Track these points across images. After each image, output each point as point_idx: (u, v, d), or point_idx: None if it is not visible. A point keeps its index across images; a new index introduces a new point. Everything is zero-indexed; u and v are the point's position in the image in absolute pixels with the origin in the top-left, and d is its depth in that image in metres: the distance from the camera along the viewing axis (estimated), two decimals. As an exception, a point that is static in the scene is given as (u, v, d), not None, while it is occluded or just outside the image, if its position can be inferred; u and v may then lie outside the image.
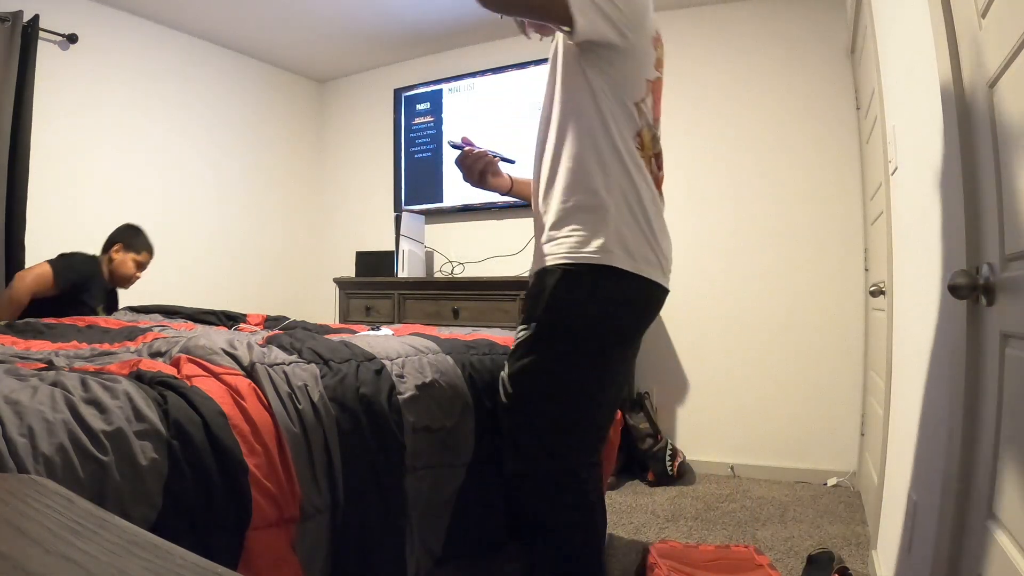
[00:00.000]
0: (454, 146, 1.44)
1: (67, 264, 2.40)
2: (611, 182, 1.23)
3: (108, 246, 2.62)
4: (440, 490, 1.36)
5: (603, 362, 1.28)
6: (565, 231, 1.26)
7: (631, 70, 1.23)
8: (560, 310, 1.25)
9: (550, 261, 1.26)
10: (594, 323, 1.24)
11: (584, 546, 1.28)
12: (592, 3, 1.15)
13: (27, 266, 2.68)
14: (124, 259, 2.59)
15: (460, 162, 1.43)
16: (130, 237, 2.63)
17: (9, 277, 2.66)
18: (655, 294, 1.29)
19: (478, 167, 1.43)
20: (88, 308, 2.47)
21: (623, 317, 1.27)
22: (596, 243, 1.22)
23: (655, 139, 1.30)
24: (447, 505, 1.37)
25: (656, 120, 1.31)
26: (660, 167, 1.32)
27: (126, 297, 2.88)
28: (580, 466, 1.29)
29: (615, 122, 1.23)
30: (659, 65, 1.29)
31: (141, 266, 2.63)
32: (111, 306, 2.66)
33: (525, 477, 1.30)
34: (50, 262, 2.40)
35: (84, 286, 2.46)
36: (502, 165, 1.49)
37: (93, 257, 2.59)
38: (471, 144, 1.43)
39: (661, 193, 1.32)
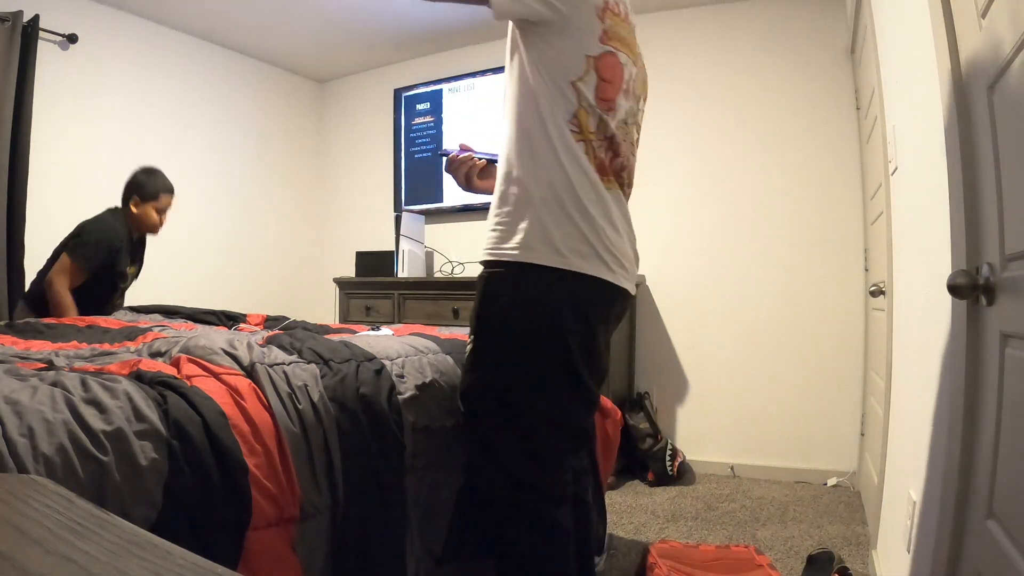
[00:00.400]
0: (441, 154, 1.44)
1: (84, 253, 2.38)
2: (540, 171, 1.13)
3: (126, 197, 2.56)
4: (440, 490, 1.36)
5: (545, 374, 1.14)
6: (490, 226, 1.18)
7: (567, 47, 1.11)
8: (488, 318, 1.16)
9: (480, 263, 1.19)
10: (524, 329, 1.12)
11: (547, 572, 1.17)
12: None
13: (27, 266, 2.69)
14: (144, 210, 2.53)
15: (447, 169, 1.41)
16: (144, 186, 2.55)
17: (10, 277, 2.67)
18: (599, 292, 1.15)
19: (462, 171, 1.37)
20: (120, 273, 2.51)
21: (556, 321, 1.12)
22: (515, 239, 1.12)
23: (602, 122, 1.15)
24: (447, 505, 1.37)
25: (606, 100, 1.15)
26: (616, 153, 1.18)
27: (125, 297, 2.88)
28: (545, 486, 1.17)
29: (548, 104, 1.12)
30: (609, 38, 1.14)
31: (163, 211, 2.58)
32: (140, 257, 2.67)
33: (487, 501, 1.23)
34: (69, 253, 2.38)
35: (110, 258, 2.45)
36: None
37: (110, 222, 2.50)
38: (469, 150, 1.39)
39: (620, 182, 1.20)
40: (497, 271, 1.14)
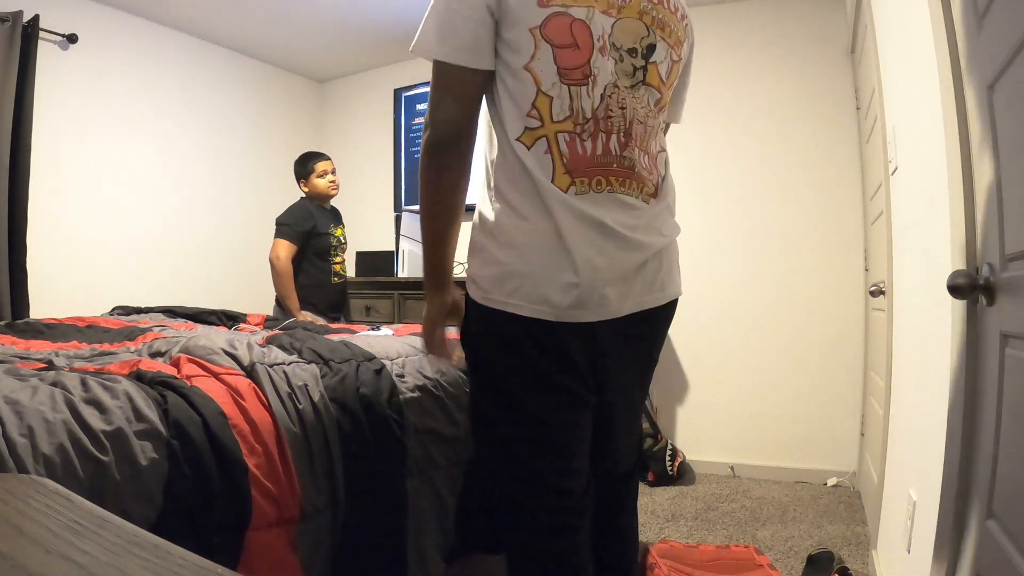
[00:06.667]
0: None
1: (290, 231, 2.72)
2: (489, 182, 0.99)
3: (299, 182, 2.90)
4: (440, 490, 1.36)
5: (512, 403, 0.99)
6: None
7: (512, 35, 0.91)
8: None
9: None
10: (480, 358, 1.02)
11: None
12: (442, 32, 0.90)
13: (27, 265, 2.70)
14: (313, 185, 2.85)
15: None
16: (301, 168, 2.88)
17: (11, 276, 2.67)
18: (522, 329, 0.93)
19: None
20: (326, 237, 2.83)
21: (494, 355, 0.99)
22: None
23: (576, 99, 0.92)
24: (447, 505, 1.37)
25: (576, 68, 0.91)
26: (608, 135, 0.94)
27: (126, 297, 2.89)
28: (539, 510, 1.01)
29: (497, 105, 0.96)
30: (546, 1, 0.90)
31: (325, 175, 2.86)
32: (339, 218, 2.98)
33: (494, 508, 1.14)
34: (279, 236, 2.71)
35: (312, 228, 2.77)
36: None
37: (299, 202, 2.86)
38: None
39: (618, 176, 0.95)
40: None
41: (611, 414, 1.07)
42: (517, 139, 0.93)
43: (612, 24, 0.94)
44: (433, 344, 1.05)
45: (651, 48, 0.98)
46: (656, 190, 1.01)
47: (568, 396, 0.97)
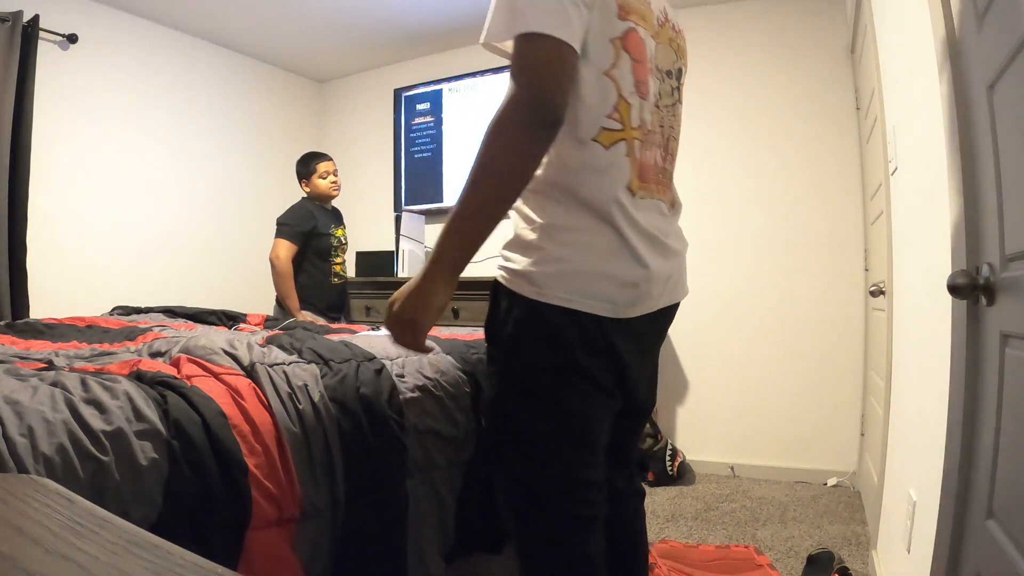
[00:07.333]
0: None
1: (290, 231, 2.74)
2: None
3: (301, 182, 2.91)
4: (440, 490, 1.36)
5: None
6: None
7: (591, 38, 0.92)
8: None
9: None
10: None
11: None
12: (556, 13, 0.86)
13: (27, 265, 2.70)
14: (315, 185, 2.86)
15: None
16: (303, 168, 2.89)
17: (11, 276, 2.67)
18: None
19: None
20: (327, 237, 2.85)
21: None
22: None
23: (643, 111, 0.98)
24: (447, 505, 1.37)
25: (643, 83, 0.98)
26: (651, 147, 1.00)
27: (126, 297, 2.89)
28: (566, 502, 1.02)
29: (578, 108, 0.94)
30: (627, 12, 0.95)
31: (327, 176, 2.87)
32: (339, 219, 3.00)
33: (512, 516, 1.08)
34: (280, 236, 2.73)
35: (313, 229, 2.78)
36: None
37: (300, 202, 2.87)
38: None
39: (656, 184, 1.01)
40: None
41: (635, 408, 1.12)
42: (593, 139, 0.94)
43: (655, 46, 1.02)
44: (423, 334, 0.98)
45: (680, 72, 1.09)
46: (674, 202, 1.10)
47: (603, 393, 1.01)
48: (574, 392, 0.98)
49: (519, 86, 0.87)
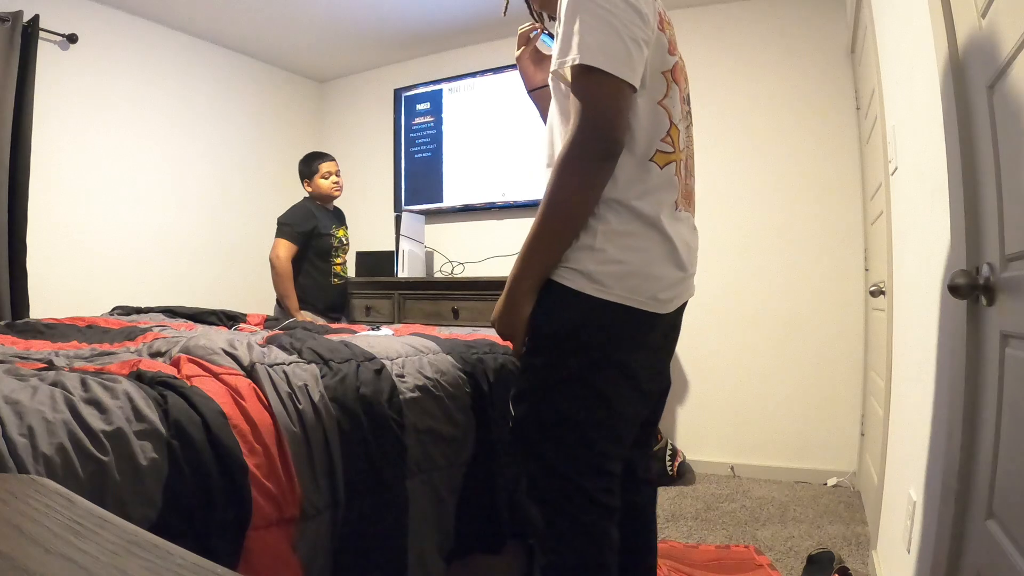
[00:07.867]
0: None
1: (291, 231, 2.76)
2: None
3: (303, 182, 2.94)
4: (440, 490, 1.36)
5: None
6: None
7: (648, 72, 1.05)
8: None
9: None
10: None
11: (585, 567, 1.09)
12: (622, 56, 0.96)
13: (27, 265, 2.70)
14: (316, 185, 2.88)
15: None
16: (305, 168, 2.91)
17: (11, 276, 2.67)
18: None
19: (520, 44, 1.35)
20: (327, 238, 2.87)
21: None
22: None
23: (683, 142, 1.14)
24: (448, 505, 1.37)
25: (682, 109, 1.13)
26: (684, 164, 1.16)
27: (126, 297, 2.89)
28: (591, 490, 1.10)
29: (636, 131, 1.06)
30: (675, 47, 1.11)
31: (330, 176, 2.89)
32: (341, 219, 3.04)
33: (538, 502, 1.14)
34: (280, 236, 2.75)
35: (314, 229, 2.81)
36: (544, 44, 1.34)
37: (301, 203, 2.90)
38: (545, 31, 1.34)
39: (685, 198, 1.16)
40: None
41: (659, 388, 1.28)
42: (650, 159, 1.06)
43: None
44: (519, 342, 1.12)
45: (688, 97, 1.22)
46: (694, 214, 1.23)
47: (641, 394, 1.12)
48: (618, 388, 1.08)
49: (585, 120, 0.97)
